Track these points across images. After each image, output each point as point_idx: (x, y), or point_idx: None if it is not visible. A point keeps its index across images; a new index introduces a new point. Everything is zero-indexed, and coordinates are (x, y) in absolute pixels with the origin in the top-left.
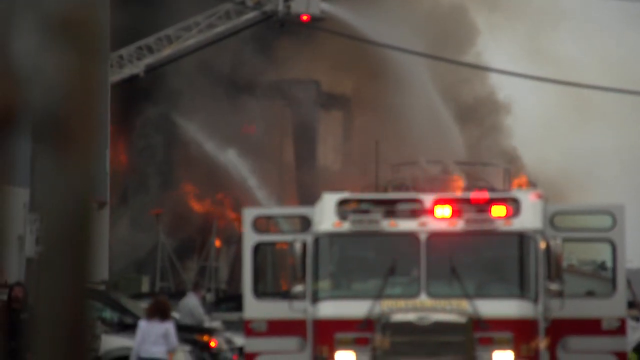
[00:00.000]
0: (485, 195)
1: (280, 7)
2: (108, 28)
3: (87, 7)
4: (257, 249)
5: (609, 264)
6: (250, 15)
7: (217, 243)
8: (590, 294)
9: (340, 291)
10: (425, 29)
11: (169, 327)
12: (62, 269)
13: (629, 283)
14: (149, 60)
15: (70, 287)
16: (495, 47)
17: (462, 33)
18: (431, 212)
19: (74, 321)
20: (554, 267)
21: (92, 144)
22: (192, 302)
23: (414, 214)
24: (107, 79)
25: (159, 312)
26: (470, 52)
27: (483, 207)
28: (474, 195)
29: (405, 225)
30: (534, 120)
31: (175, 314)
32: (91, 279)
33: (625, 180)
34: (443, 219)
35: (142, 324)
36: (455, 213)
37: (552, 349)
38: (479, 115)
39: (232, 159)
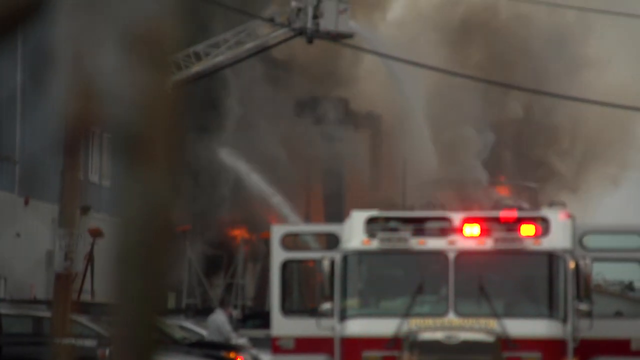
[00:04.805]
0: (514, 214)
1: (309, 24)
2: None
3: (164, 23)
4: (285, 266)
5: (637, 284)
6: (280, 32)
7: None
8: (618, 314)
9: (368, 309)
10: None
11: None
12: (138, 283)
13: None
14: (177, 77)
15: (146, 305)
16: None
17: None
18: (460, 230)
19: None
20: (583, 287)
21: (172, 160)
22: (220, 318)
23: (443, 232)
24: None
25: None
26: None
27: (512, 226)
28: (503, 213)
29: (434, 243)
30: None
31: (203, 331)
32: (166, 297)
33: None
34: (472, 237)
35: None
36: (484, 232)
37: None
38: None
39: (253, 177)
